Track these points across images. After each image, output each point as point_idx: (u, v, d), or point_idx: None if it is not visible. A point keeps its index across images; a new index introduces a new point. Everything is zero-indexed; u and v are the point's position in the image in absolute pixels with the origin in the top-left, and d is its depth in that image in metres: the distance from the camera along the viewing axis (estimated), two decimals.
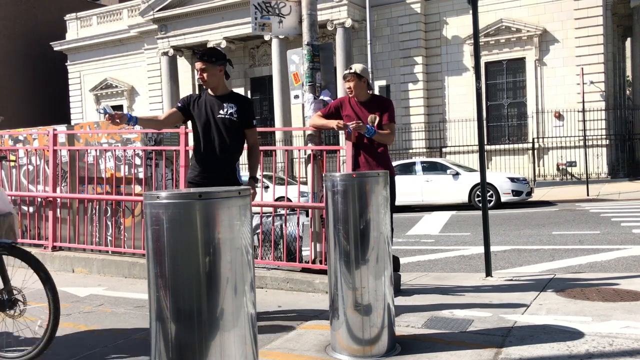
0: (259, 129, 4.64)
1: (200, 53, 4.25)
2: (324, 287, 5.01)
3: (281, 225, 5.78)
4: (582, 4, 22.49)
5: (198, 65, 4.21)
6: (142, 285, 5.56)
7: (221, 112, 4.16)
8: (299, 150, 6.41)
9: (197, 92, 4.78)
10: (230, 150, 4.21)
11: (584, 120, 18.23)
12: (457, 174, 15.76)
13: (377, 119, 4.87)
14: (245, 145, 4.35)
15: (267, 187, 13.11)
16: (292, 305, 4.75)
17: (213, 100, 4.22)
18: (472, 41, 6.01)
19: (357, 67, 4.89)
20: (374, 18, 24.33)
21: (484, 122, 6.39)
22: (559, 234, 9.60)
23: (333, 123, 4.86)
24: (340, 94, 21.93)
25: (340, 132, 5.04)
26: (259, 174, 4.69)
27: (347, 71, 4.88)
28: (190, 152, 6.22)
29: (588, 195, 16.69)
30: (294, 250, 5.79)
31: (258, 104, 28.52)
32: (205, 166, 4.19)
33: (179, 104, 4.35)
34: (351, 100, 4.96)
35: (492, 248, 6.15)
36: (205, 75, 4.17)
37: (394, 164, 17.03)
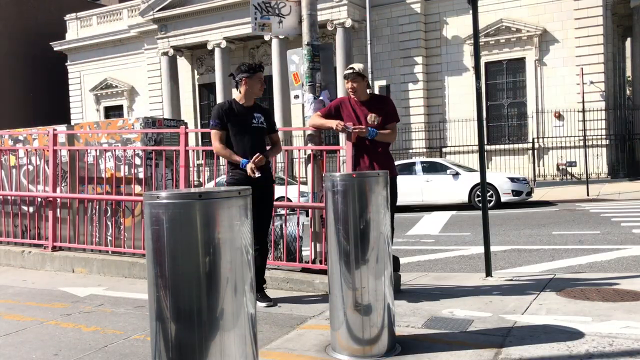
0: None
1: (260, 65, 4.84)
2: (324, 287, 5.01)
3: (281, 225, 5.78)
4: (582, 4, 22.50)
5: (261, 76, 4.78)
6: (142, 285, 5.56)
7: (254, 121, 4.76)
8: (299, 150, 6.41)
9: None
10: (261, 151, 4.74)
11: (584, 120, 18.23)
12: (457, 174, 15.76)
13: (377, 118, 4.87)
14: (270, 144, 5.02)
15: None
16: (292, 305, 4.74)
17: (246, 111, 4.78)
18: (472, 41, 6.02)
19: (358, 67, 4.90)
20: (374, 18, 24.31)
21: (484, 122, 6.40)
22: (559, 234, 9.60)
23: (333, 123, 4.86)
24: (340, 94, 21.98)
25: (340, 132, 5.04)
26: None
27: (349, 71, 4.86)
28: (191, 152, 6.24)
29: (588, 195, 16.69)
30: (294, 250, 5.78)
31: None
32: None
33: (219, 124, 4.73)
34: (351, 100, 4.96)
35: (492, 248, 6.15)
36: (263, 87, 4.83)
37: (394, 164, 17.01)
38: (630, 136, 24.30)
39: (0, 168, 7.55)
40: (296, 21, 5.81)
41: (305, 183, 6.30)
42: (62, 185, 6.99)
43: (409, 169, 16.28)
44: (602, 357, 3.22)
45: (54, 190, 6.89)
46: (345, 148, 5.13)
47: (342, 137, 5.54)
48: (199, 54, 30.04)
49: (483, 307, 4.43)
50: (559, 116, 22.99)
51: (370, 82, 5.15)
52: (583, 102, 18.55)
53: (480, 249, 6.64)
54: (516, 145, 23.54)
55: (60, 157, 6.96)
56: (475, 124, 6.13)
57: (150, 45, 30.72)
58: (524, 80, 23.94)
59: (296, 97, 5.95)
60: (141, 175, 6.35)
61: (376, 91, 20.75)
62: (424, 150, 24.90)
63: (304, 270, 5.48)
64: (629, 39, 28.64)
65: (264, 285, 4.90)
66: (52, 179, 6.87)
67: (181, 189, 2.86)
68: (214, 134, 4.75)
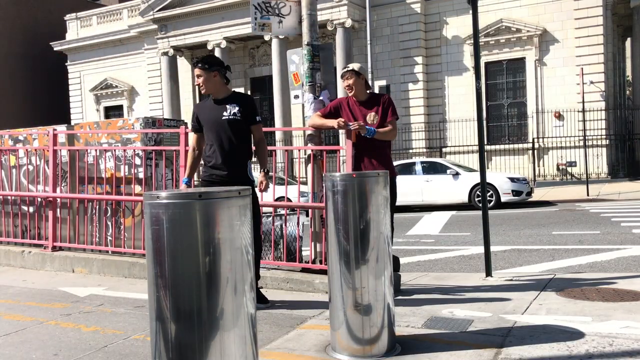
0: None
1: (196, 60, 4.62)
2: (324, 287, 5.01)
3: (281, 225, 5.78)
4: (582, 4, 22.50)
5: (195, 72, 4.58)
6: (142, 285, 5.56)
7: (225, 113, 4.48)
8: (299, 150, 6.41)
9: (199, 98, 5.20)
10: (238, 148, 4.50)
11: (584, 120, 18.23)
12: (457, 174, 15.76)
13: (377, 117, 4.87)
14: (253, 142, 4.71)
15: None
16: (292, 305, 4.74)
17: (215, 105, 4.56)
18: (472, 41, 6.01)
19: (354, 65, 4.93)
20: (374, 18, 24.32)
21: (484, 122, 6.39)
22: (559, 234, 9.60)
23: (333, 122, 4.85)
24: (340, 94, 21.96)
25: (340, 131, 5.05)
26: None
27: (345, 69, 4.90)
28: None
29: (588, 195, 16.69)
30: (294, 250, 5.78)
31: (258, 103, 28.34)
32: (216, 165, 4.50)
33: (194, 125, 4.70)
34: (350, 100, 4.96)
35: (492, 248, 6.15)
36: (200, 81, 4.53)
37: (394, 164, 17.01)
38: (630, 136, 24.29)
39: (0, 168, 7.55)
40: (296, 21, 5.81)
41: (305, 183, 6.31)
42: (62, 185, 6.99)
43: (409, 169, 16.27)
44: (602, 357, 3.22)
45: (54, 190, 6.89)
46: (345, 148, 5.13)
47: (342, 137, 5.55)
48: (199, 54, 30.02)
49: (483, 307, 4.43)
50: (559, 116, 22.98)
51: (370, 82, 5.14)
52: (583, 102, 18.54)
53: (480, 249, 6.64)
54: (516, 145, 23.53)
55: (60, 157, 6.96)
56: (475, 124, 6.13)
57: (150, 45, 30.71)
58: (524, 80, 23.94)
59: (296, 97, 5.95)
60: (141, 175, 6.35)
61: (376, 91, 20.73)
62: (424, 150, 24.89)
63: (304, 270, 5.48)
64: (629, 39, 28.64)
65: (259, 287, 4.89)
66: (52, 179, 6.87)
67: (181, 189, 2.86)
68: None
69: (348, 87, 4.88)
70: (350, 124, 4.80)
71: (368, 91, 4.99)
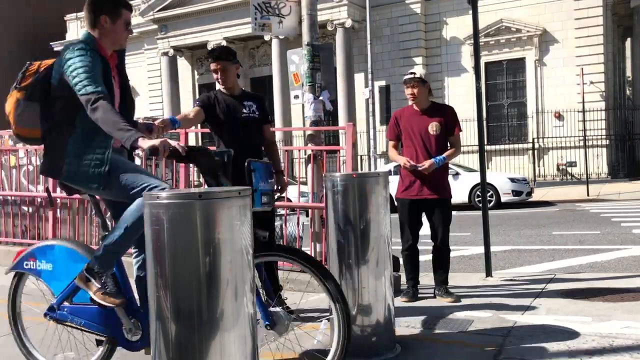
0: None
1: (217, 53, 4.26)
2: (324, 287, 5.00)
3: (281, 225, 5.78)
4: (582, 4, 22.50)
5: (214, 65, 4.22)
6: None
7: (244, 111, 4.26)
8: (299, 150, 6.41)
9: (208, 93, 4.68)
10: (256, 146, 4.30)
11: (584, 120, 18.22)
12: (457, 174, 15.74)
13: (440, 127, 4.76)
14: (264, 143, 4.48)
15: None
16: (292, 305, 4.74)
17: (232, 100, 4.28)
18: (472, 41, 6.02)
19: (420, 72, 4.78)
20: (374, 18, 24.31)
21: (484, 122, 6.40)
22: (559, 234, 9.60)
23: (402, 160, 4.73)
24: (340, 94, 21.86)
25: (340, 132, 5.05)
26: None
27: (410, 76, 4.75)
28: None
29: (588, 195, 16.69)
30: None
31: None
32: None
33: (199, 102, 4.27)
34: (408, 110, 4.85)
35: (492, 248, 6.14)
36: (224, 74, 4.24)
37: (394, 164, 17.00)
38: (630, 136, 24.30)
39: (0, 168, 7.55)
40: (296, 21, 5.81)
41: (305, 183, 6.31)
42: None
43: None
44: (602, 357, 3.22)
45: (54, 191, 6.88)
46: (345, 148, 5.13)
47: (342, 137, 5.55)
48: (199, 54, 30.04)
49: (483, 307, 4.43)
50: (559, 116, 22.99)
51: (370, 82, 5.11)
52: (583, 102, 18.54)
53: (480, 249, 6.64)
54: (516, 146, 23.53)
55: None
56: (475, 124, 6.14)
57: (150, 45, 30.72)
58: (524, 80, 23.94)
59: (296, 97, 5.95)
60: None
61: (376, 91, 20.72)
62: None
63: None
64: (629, 39, 28.65)
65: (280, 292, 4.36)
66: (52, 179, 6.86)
67: (181, 189, 2.85)
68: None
69: (412, 95, 4.72)
70: (419, 166, 4.65)
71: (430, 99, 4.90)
